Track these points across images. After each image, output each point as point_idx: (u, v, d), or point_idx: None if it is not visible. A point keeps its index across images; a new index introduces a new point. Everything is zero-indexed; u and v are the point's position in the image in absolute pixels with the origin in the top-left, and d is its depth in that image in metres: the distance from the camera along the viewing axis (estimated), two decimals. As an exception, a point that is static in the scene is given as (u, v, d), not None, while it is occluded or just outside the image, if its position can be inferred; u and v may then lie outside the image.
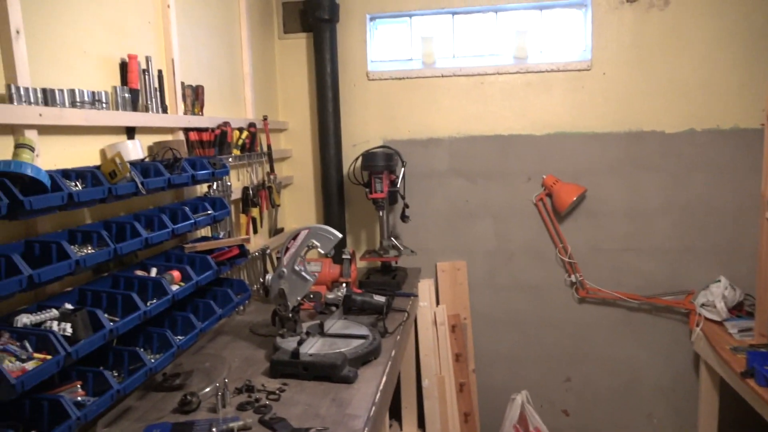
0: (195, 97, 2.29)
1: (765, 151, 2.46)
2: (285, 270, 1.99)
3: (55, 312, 1.30)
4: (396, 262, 3.05)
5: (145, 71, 1.94)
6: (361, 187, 3.09)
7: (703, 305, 2.87)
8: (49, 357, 1.19)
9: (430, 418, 2.97)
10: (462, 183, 3.24)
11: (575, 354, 3.24)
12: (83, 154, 1.67)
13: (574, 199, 3.01)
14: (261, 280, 2.67)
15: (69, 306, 1.38)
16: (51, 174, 1.32)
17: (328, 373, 1.77)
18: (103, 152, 1.74)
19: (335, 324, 2.16)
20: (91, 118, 1.62)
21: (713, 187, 3.01)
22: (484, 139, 3.20)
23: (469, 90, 3.19)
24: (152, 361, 1.51)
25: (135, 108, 1.87)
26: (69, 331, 1.25)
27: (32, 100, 1.41)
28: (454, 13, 3.24)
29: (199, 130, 2.25)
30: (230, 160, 2.46)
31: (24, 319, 1.26)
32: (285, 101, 3.37)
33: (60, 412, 1.21)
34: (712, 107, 2.97)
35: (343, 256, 2.64)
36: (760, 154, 2.51)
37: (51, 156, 1.53)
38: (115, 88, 1.79)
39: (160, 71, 2.04)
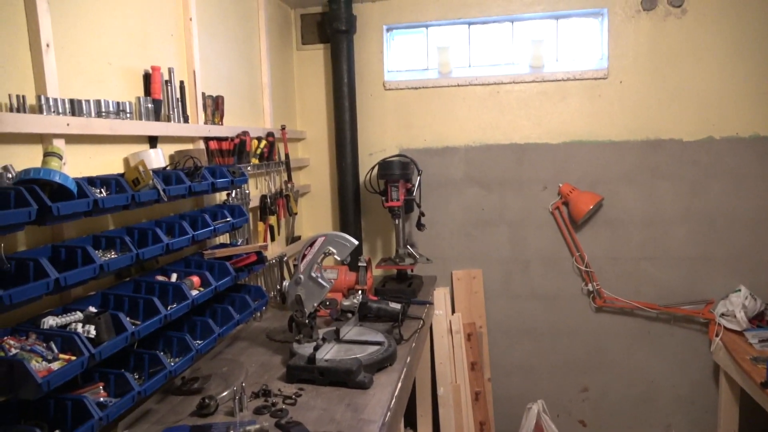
0: (215, 107, 2.35)
1: (785, 159, 2.44)
2: (302, 276, 2.01)
3: (79, 315, 1.35)
4: (412, 270, 3.06)
5: (168, 82, 1.99)
6: (377, 195, 3.11)
7: (722, 315, 2.83)
8: (73, 358, 1.23)
9: (445, 427, 2.96)
10: (478, 191, 3.25)
11: (592, 363, 3.22)
12: (107, 162, 1.72)
13: (591, 207, 3.00)
14: (278, 287, 2.70)
15: (93, 309, 1.42)
16: (77, 181, 1.37)
17: (344, 378, 1.79)
18: (126, 161, 1.79)
19: (351, 330, 2.18)
20: (116, 128, 1.67)
21: (732, 195, 2.98)
22: (499, 148, 3.21)
23: (484, 99, 3.21)
24: (172, 364, 1.55)
25: (157, 118, 1.92)
26: (93, 333, 1.29)
27: (60, 110, 1.46)
28: (470, 24, 3.27)
29: (218, 139, 2.31)
30: (249, 168, 2.51)
31: (50, 321, 1.30)
32: (303, 111, 3.42)
33: (83, 412, 1.24)
34: (731, 115, 2.95)
35: (359, 264, 2.67)
36: (780, 162, 2.49)
37: (77, 164, 1.58)
38: (138, 98, 1.85)
39: (182, 82, 2.10)
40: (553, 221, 3.19)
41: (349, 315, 2.31)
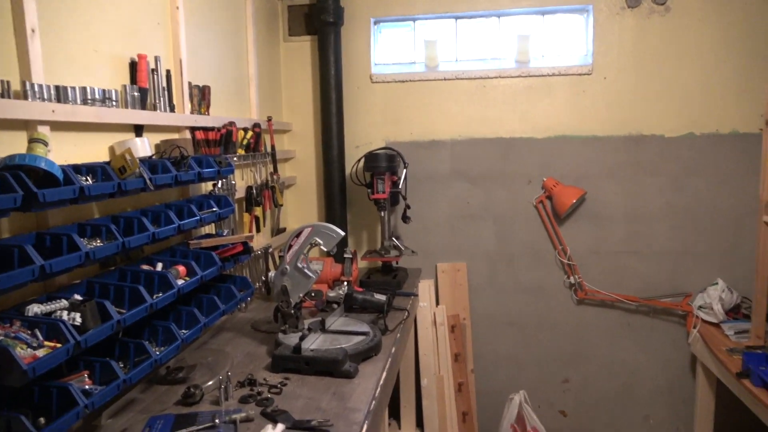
0: (201, 97, 2.34)
1: (763, 155, 2.49)
2: (288, 267, 2.02)
3: (64, 302, 1.34)
4: (397, 263, 3.08)
5: (154, 71, 1.98)
6: (363, 187, 3.12)
7: (700, 307, 2.90)
8: (59, 345, 1.22)
9: (428, 417, 3.00)
10: (463, 185, 3.28)
11: (573, 355, 3.27)
12: (93, 150, 1.71)
13: (574, 201, 3.04)
14: (263, 278, 2.71)
15: (78, 297, 1.42)
16: (63, 168, 1.36)
17: (330, 367, 1.80)
18: (111, 149, 1.78)
19: (336, 321, 2.20)
20: (102, 116, 1.66)
21: (712, 190, 3.05)
22: (485, 142, 3.24)
23: (471, 93, 3.23)
24: (157, 353, 1.55)
25: (144, 106, 1.91)
26: (78, 320, 1.29)
27: (46, 96, 1.45)
28: (457, 18, 3.28)
29: (205, 129, 2.30)
30: (235, 159, 2.50)
31: (35, 309, 1.30)
32: (289, 103, 3.41)
33: (68, 399, 1.24)
34: (712, 112, 3.01)
35: (345, 256, 2.68)
36: (758, 158, 2.54)
37: (62, 152, 1.57)
38: (124, 86, 1.83)
39: (168, 71, 2.09)
40: (537, 215, 3.22)
41: (335, 306, 2.32)
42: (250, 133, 2.66)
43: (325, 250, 2.02)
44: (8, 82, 1.35)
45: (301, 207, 3.45)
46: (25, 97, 1.39)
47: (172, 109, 2.10)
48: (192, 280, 1.76)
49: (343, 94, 3.23)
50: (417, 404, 3.15)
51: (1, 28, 1.38)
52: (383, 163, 2.96)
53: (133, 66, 1.89)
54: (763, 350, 2.29)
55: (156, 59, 1.99)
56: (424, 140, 3.29)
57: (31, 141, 1.36)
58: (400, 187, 3.07)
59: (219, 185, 2.35)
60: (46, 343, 1.22)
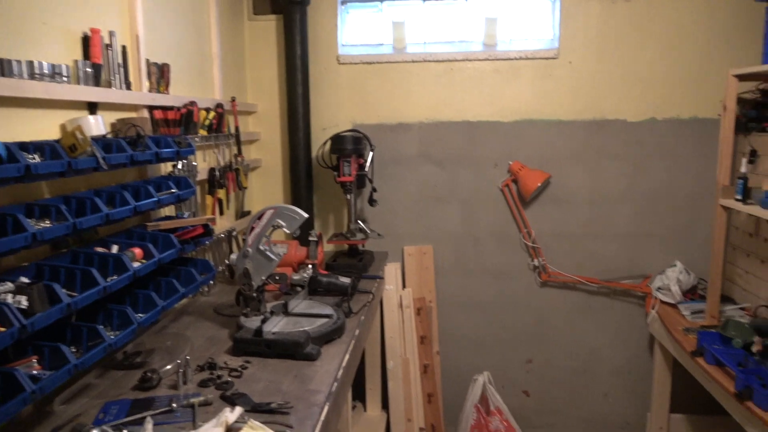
0: (160, 75, 2.26)
1: (721, 140, 2.56)
2: (250, 249, 1.99)
3: (10, 285, 1.29)
4: (363, 246, 3.07)
5: (108, 46, 1.90)
6: (329, 170, 3.09)
7: (659, 289, 2.97)
8: (3, 329, 1.18)
9: (393, 399, 3.02)
10: (430, 168, 3.28)
11: (537, 336, 3.33)
12: (42, 128, 1.64)
13: (539, 185, 3.07)
14: (226, 261, 2.66)
15: (25, 280, 1.36)
16: (7, 145, 1.30)
17: (291, 350, 1.79)
18: (63, 127, 1.71)
19: (300, 304, 2.18)
20: (51, 91, 1.59)
21: (672, 174, 3.11)
22: (452, 125, 3.23)
23: (438, 76, 3.21)
24: (112, 337, 1.50)
25: (97, 83, 1.83)
26: (24, 304, 1.24)
27: (-13, 70, 1.38)
28: (424, -1, 3.25)
29: (164, 108, 2.23)
30: (197, 140, 2.44)
31: (-23, 292, 1.24)
32: (254, 84, 3.34)
33: (14, 385, 1.20)
34: (673, 97, 3.06)
35: (310, 239, 2.65)
36: (716, 143, 2.61)
37: (8, 129, 1.50)
38: (76, 62, 1.76)
39: (124, 47, 2.01)
40: (503, 198, 3.25)
41: (299, 289, 2.30)
42: (212, 114, 2.60)
43: (288, 232, 1.99)
44: (-54, 54, 1.28)
45: (266, 190, 3.40)
46: (-35, 70, 1.32)
47: (129, 87, 2.02)
48: (149, 262, 1.71)
49: (309, 75, 3.18)
50: (383, 386, 3.17)
51: (-64, -4, 1.31)
52: (350, 146, 2.93)
53: (86, 41, 1.81)
54: (717, 330, 2.36)
55: (111, 34, 1.92)
56: (392, 123, 3.27)
57: (-28, 116, 1.29)
58: (366, 169, 3.05)
59: (179, 166, 2.28)
60: (-10, 327, 1.18)
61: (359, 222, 3.04)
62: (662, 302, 2.93)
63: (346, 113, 3.29)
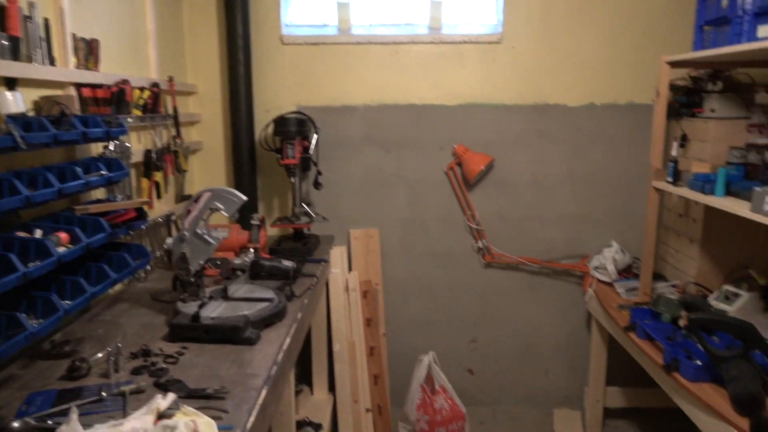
0: (89, 50, 2.15)
1: (654, 125, 2.65)
2: (187, 233, 1.93)
3: None
4: (308, 229, 3.04)
5: (28, 18, 1.78)
6: (273, 153, 3.03)
7: (596, 268, 3.08)
8: None
9: (340, 381, 3.02)
10: (376, 151, 3.26)
11: (481, 316, 3.40)
12: (-47, 104, 1.53)
13: (482, 168, 3.11)
14: (164, 246, 2.58)
15: (-67, 266, 1.28)
16: None
17: (230, 335, 1.76)
18: (-24, 104, 1.60)
19: (241, 288, 2.14)
20: (-39, 65, 1.48)
21: (609, 158, 3.21)
22: (398, 108, 3.22)
23: (384, 59, 3.19)
24: (35, 326, 1.43)
25: (16, 57, 1.72)
26: (-68, 291, 1.16)
27: None
28: (369, -21, 3.21)
29: (93, 86, 2.12)
30: (130, 120, 2.33)
31: None
32: (194, 63, 3.23)
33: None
34: (611, 83, 3.15)
35: (252, 222, 2.60)
36: (650, 127, 2.71)
37: None
38: (-9, 34, 1.64)
39: (46, 20, 1.89)
40: (448, 182, 3.28)
41: (240, 273, 2.26)
42: (147, 93, 2.49)
43: (227, 215, 1.95)
44: None
45: (208, 173, 3.30)
46: None
47: (53, 63, 1.91)
48: (76, 247, 1.63)
49: (252, 55, 3.09)
50: (329, 369, 3.16)
51: None
52: (293, 128, 2.88)
53: (2, 11, 1.69)
54: (648, 306, 2.47)
55: (31, 4, 1.80)
56: (337, 105, 3.23)
57: None
58: (311, 152, 3.01)
59: (111, 148, 2.18)
60: None
61: (304, 205, 3.01)
62: (599, 281, 3.04)
63: (290, 95, 3.23)
